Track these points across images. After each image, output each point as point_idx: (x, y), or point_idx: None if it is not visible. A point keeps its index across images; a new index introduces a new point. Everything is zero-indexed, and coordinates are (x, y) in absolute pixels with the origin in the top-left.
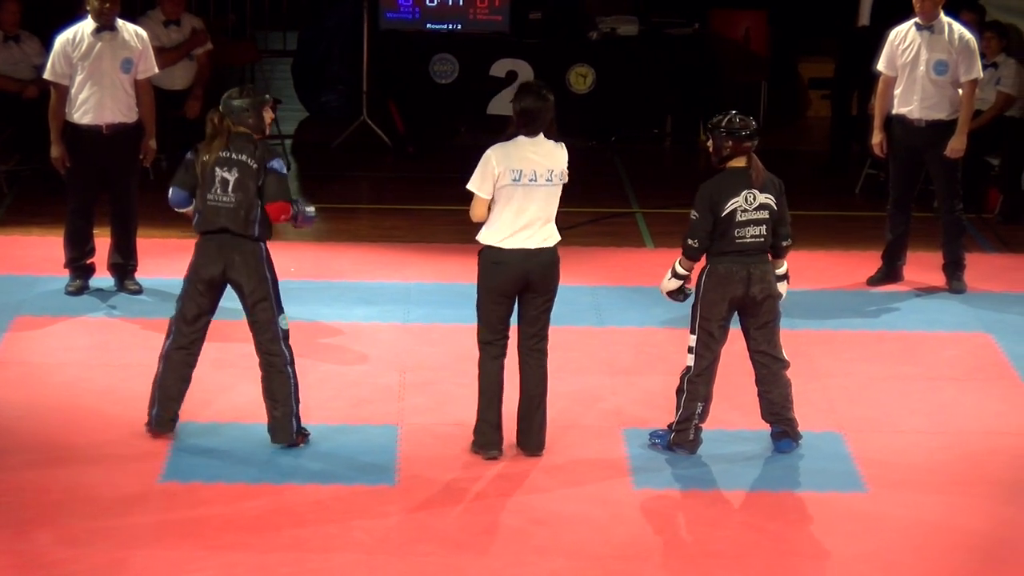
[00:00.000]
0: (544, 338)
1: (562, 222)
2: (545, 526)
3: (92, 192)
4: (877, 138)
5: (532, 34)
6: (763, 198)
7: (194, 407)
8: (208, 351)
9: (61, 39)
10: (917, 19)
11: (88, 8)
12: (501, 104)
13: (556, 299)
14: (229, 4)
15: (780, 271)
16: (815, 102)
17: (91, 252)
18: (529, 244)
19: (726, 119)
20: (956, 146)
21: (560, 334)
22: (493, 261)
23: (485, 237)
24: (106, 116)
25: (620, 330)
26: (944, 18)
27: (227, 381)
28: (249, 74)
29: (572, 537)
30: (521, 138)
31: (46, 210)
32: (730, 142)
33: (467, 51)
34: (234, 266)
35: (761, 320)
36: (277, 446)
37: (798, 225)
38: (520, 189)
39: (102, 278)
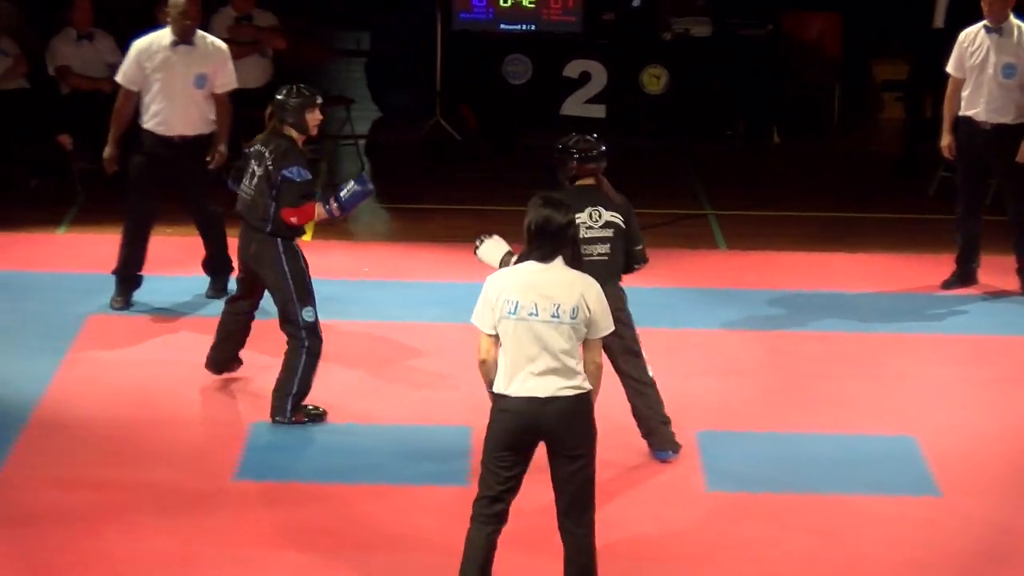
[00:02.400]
0: (583, 515)
1: None
2: (616, 527)
3: (154, 197)
4: (946, 140)
5: (605, 35)
6: (609, 215)
7: (266, 407)
8: (275, 353)
9: (136, 46)
10: (986, 21)
11: (168, 20)
12: (574, 105)
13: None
14: (302, 3)
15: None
16: (889, 104)
17: (140, 263)
18: (538, 392)
19: (572, 140)
20: None
21: None
22: (498, 408)
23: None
24: (176, 128)
25: (693, 332)
26: (1014, 20)
27: None
28: (323, 74)
29: (642, 538)
30: (530, 263)
31: (119, 208)
32: (574, 163)
33: (540, 52)
34: (251, 255)
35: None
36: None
37: (870, 227)
38: (517, 324)
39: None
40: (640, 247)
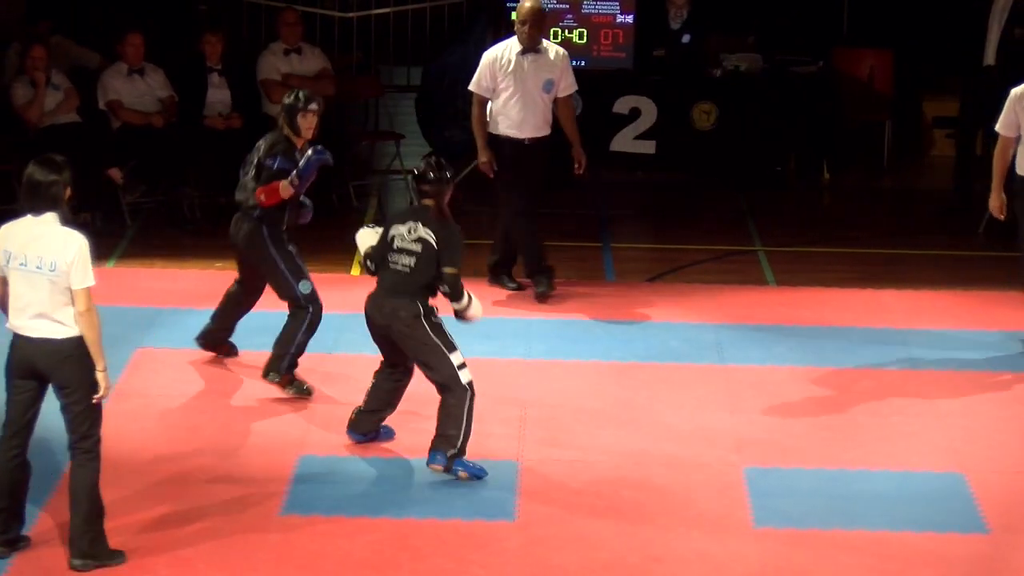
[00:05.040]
0: (85, 440)
1: (685, 259)
2: (664, 564)
3: (534, 195)
4: (994, 201)
5: (655, 71)
6: (423, 232)
7: (314, 440)
8: (326, 386)
9: (488, 56)
10: None
11: (516, 31)
12: (624, 141)
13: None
14: (354, 41)
15: (456, 306)
16: (939, 141)
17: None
18: (31, 332)
19: (423, 165)
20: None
21: (681, 371)
22: (10, 343)
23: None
24: (527, 131)
25: (742, 368)
26: None
27: (346, 415)
28: (373, 109)
29: (690, 575)
30: (28, 216)
31: (168, 242)
32: (415, 184)
33: (590, 87)
34: (241, 238)
35: (408, 354)
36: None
37: (920, 264)
38: (13, 273)
39: None
40: (449, 270)
